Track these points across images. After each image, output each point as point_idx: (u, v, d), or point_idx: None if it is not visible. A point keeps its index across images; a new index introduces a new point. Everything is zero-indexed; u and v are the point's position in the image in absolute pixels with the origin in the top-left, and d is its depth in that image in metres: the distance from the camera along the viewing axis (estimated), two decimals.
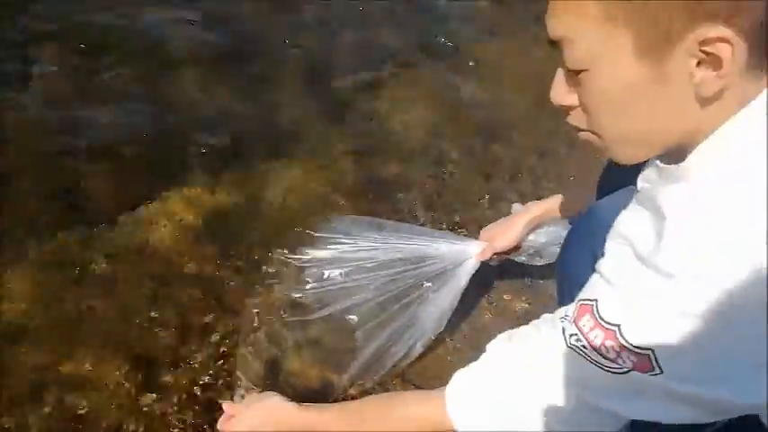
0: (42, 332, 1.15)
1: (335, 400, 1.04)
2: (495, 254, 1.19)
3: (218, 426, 0.96)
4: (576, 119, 0.63)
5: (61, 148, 1.54)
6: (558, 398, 0.64)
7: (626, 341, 0.56)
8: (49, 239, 1.31)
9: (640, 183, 0.66)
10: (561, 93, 0.62)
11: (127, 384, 1.09)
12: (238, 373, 1.04)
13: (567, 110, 0.64)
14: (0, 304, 1.18)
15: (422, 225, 1.37)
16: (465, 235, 1.21)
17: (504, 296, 1.37)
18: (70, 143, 1.56)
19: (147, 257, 1.32)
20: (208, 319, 1.22)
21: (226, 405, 0.98)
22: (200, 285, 1.28)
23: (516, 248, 1.21)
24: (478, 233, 1.23)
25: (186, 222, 1.41)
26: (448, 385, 0.76)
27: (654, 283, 0.54)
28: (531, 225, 1.20)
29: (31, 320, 1.16)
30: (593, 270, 0.64)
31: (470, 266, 1.14)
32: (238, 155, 1.62)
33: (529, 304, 1.36)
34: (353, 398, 1.10)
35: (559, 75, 0.62)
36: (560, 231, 1.20)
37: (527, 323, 0.74)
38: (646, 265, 0.55)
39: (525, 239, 1.21)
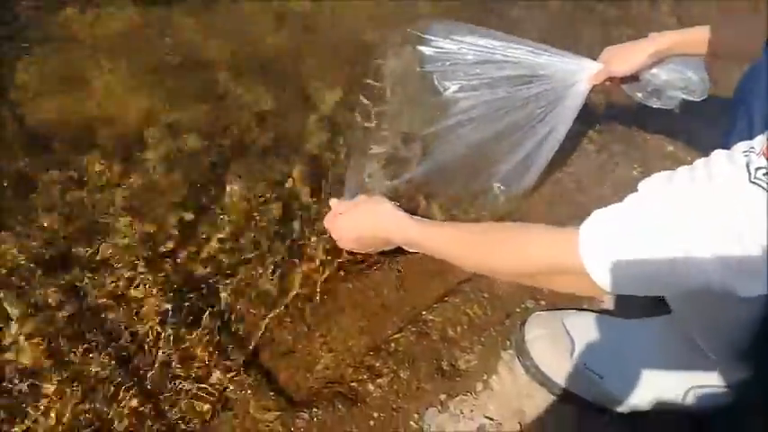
0: None
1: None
2: (609, 79, 1.04)
3: (324, 222, 0.94)
4: None
5: None
6: (728, 244, 0.55)
7: None
8: None
9: None
10: None
11: None
12: (347, 177, 0.99)
13: None
14: None
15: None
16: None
17: (615, 159, 1.26)
18: None
19: None
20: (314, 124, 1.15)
21: (333, 201, 0.95)
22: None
23: (635, 79, 1.06)
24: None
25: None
26: (583, 224, 0.65)
27: None
28: (657, 56, 1.04)
29: None
30: None
31: (583, 88, 1.00)
32: None
33: (641, 173, 1.23)
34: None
35: None
36: (686, 72, 1.04)
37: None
38: None
39: (646, 71, 1.05)
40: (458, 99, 0.96)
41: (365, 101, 1.03)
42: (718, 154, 0.59)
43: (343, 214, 0.92)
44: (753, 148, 0.56)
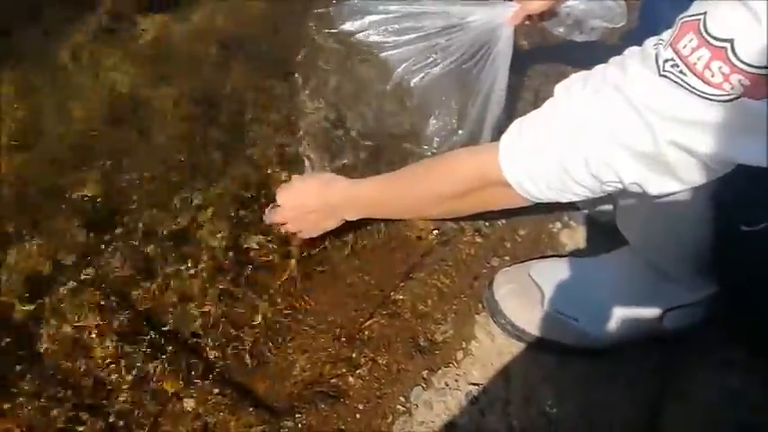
0: None
1: None
2: (528, 17, 1.02)
3: (277, 194, 0.93)
4: None
5: None
6: (641, 141, 0.54)
7: (739, 59, 0.46)
8: None
9: None
10: None
11: None
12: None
13: None
14: None
15: None
16: None
17: None
18: None
19: None
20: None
21: (295, 177, 0.97)
22: None
23: (553, 14, 1.04)
24: None
25: None
26: (504, 134, 0.66)
27: None
28: None
29: None
30: None
31: (507, 32, 0.98)
32: None
33: None
34: None
35: None
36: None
37: None
38: None
39: (563, 4, 1.03)
40: (393, 56, 0.96)
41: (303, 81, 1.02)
42: (630, 52, 0.59)
43: (291, 188, 0.92)
44: (662, 40, 0.54)
